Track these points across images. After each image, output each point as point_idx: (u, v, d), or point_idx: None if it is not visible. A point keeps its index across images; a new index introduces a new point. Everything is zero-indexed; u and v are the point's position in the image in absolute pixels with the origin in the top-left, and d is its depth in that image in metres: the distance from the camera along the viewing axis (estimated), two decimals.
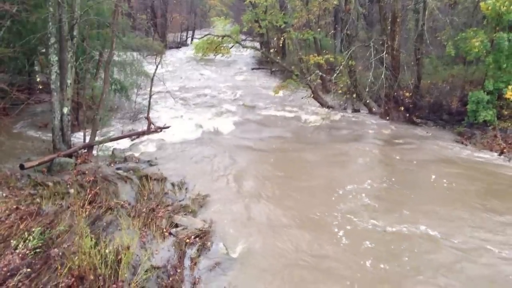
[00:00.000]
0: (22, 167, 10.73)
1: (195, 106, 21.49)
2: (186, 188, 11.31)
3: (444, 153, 14.99)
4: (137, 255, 7.30)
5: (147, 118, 17.30)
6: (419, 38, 18.05)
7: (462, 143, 16.25)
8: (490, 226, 9.62)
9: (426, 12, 17.18)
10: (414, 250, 8.58)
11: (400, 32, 19.51)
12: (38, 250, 6.83)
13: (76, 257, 6.52)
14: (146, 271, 6.94)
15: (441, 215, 10.06)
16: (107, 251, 6.82)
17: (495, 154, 14.92)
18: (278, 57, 27.30)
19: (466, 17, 20.40)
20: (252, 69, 34.66)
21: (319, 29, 25.33)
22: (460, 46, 17.47)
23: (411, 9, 20.63)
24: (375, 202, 10.78)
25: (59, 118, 12.51)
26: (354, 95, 20.58)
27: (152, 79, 18.19)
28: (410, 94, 18.88)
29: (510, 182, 12.41)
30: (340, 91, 20.43)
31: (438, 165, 13.75)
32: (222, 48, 25.61)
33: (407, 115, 19.06)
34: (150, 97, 17.89)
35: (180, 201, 10.55)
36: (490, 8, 15.78)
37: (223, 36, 24.96)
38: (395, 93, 18.92)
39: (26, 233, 7.13)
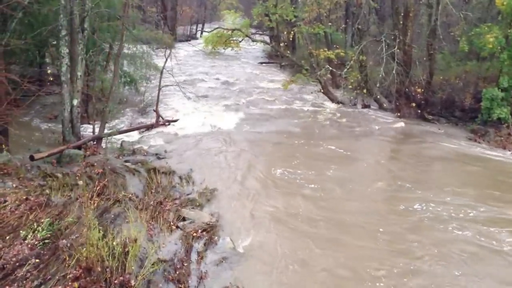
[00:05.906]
0: (32, 158, 10.76)
1: (204, 100, 21.38)
2: (194, 182, 11.27)
3: (456, 151, 14.82)
4: (144, 247, 7.23)
5: (156, 111, 17.22)
6: (432, 33, 17.76)
7: (475, 140, 16.02)
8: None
9: (440, 7, 16.89)
10: None
11: (413, 27, 19.21)
12: (46, 241, 6.86)
13: (84, 249, 6.50)
14: (153, 264, 6.89)
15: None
16: (114, 243, 6.78)
17: (508, 152, 14.71)
18: (288, 51, 27.09)
19: (481, 12, 20.08)
20: (261, 63, 34.44)
21: (330, 24, 25.10)
22: (474, 42, 17.23)
23: (424, 4, 20.19)
24: (385, 199, 10.80)
25: (69, 110, 12.56)
26: (365, 91, 20.30)
27: (161, 72, 18.12)
28: (422, 90, 18.59)
29: None
30: (350, 86, 20.28)
31: (449, 162, 13.60)
32: (231, 41, 25.56)
33: (419, 111, 18.80)
34: (159, 90, 17.82)
35: (187, 194, 10.51)
36: (505, 3, 15.54)
37: (233, 30, 24.92)
38: (407, 89, 18.66)
39: (35, 224, 7.16)
